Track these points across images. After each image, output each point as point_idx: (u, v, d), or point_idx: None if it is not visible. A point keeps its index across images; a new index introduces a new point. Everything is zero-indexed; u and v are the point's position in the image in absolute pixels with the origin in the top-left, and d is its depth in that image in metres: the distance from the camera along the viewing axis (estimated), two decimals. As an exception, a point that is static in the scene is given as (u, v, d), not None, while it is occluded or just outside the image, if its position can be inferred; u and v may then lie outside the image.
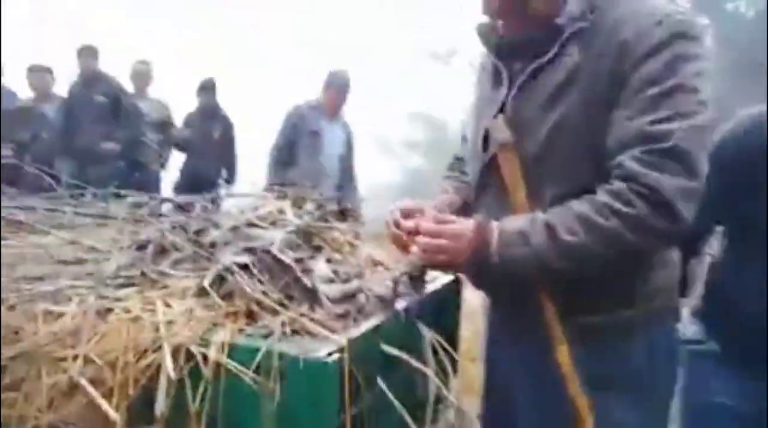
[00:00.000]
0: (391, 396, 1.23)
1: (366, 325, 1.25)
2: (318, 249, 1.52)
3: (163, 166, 5.79)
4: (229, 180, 5.77)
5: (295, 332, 1.15)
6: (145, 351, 1.10)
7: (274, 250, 1.27)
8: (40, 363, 1.10)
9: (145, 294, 1.24)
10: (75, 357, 1.09)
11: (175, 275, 1.35)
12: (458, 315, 1.75)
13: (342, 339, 1.12)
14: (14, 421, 1.09)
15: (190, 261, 1.42)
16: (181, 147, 5.81)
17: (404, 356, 1.31)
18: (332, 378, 1.06)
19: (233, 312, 1.20)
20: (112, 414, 1.05)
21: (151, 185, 5.26)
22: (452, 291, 1.71)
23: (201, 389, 1.06)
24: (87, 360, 1.10)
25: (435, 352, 1.39)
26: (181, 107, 5.86)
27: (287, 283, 1.26)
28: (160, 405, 1.06)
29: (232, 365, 1.06)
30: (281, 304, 1.20)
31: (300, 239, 1.48)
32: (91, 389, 1.07)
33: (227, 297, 1.24)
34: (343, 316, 1.27)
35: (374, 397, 1.20)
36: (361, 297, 1.34)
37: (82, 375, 1.08)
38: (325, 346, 1.10)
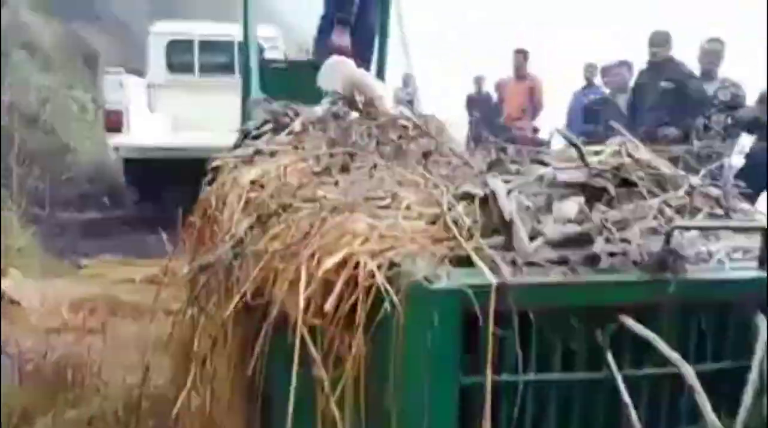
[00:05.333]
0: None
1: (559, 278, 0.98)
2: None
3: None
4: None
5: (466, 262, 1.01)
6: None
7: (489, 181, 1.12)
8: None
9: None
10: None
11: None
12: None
13: (492, 278, 0.93)
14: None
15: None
16: (748, 128, 5.10)
17: (654, 337, 0.97)
18: (448, 315, 0.90)
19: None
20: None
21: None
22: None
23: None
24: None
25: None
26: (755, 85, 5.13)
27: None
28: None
29: (380, 280, 1.01)
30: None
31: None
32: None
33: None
34: (558, 263, 1.03)
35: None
36: (598, 246, 1.04)
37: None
38: (472, 279, 0.94)
